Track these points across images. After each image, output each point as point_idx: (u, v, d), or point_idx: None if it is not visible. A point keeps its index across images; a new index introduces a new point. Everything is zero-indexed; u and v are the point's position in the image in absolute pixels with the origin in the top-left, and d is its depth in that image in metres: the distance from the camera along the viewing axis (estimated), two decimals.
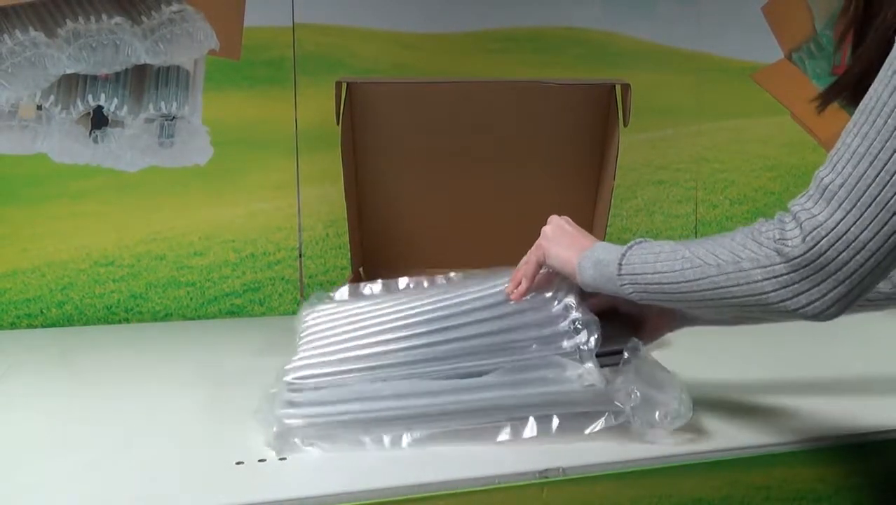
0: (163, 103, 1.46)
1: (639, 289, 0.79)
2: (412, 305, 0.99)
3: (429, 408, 0.86)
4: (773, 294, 0.67)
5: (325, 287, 1.59)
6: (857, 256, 0.62)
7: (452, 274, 1.11)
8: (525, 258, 0.93)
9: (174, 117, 1.48)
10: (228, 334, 1.43)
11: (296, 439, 0.84)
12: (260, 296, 1.58)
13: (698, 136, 1.74)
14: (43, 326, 1.49)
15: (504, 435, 0.86)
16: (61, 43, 1.38)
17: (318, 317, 1.06)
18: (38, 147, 1.43)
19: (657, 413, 0.85)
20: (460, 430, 0.86)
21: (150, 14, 1.42)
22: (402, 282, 1.11)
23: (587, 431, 0.86)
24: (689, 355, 1.23)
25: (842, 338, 1.35)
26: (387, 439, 0.85)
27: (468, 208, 1.52)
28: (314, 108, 1.55)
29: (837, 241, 0.62)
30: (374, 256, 1.53)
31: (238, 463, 0.82)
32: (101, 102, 1.43)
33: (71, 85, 1.42)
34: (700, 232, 1.76)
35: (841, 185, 0.63)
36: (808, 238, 0.64)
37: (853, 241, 0.62)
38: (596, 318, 0.90)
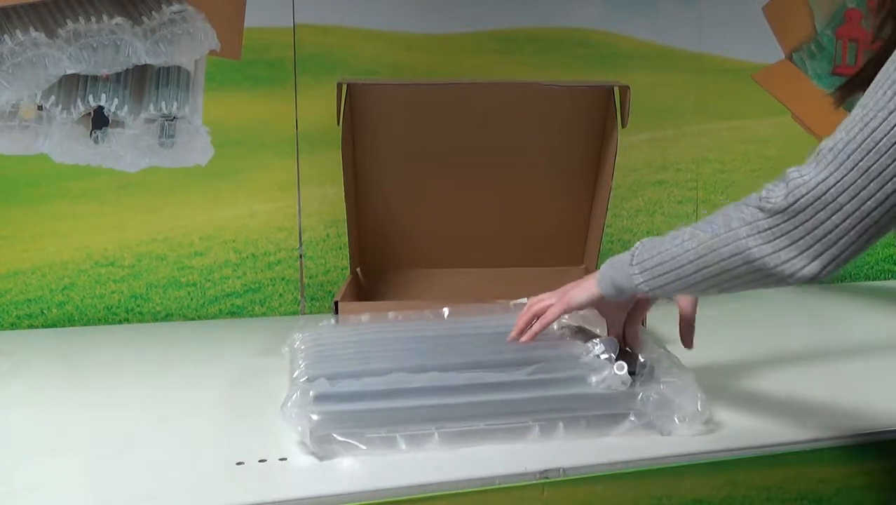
0: (163, 104, 1.47)
1: (648, 276, 0.81)
2: (422, 330, 1.01)
3: (458, 407, 0.85)
4: (755, 249, 0.68)
5: (326, 287, 1.59)
6: (834, 217, 0.63)
7: (445, 309, 1.11)
8: (540, 305, 0.96)
9: (175, 118, 1.48)
10: (229, 335, 1.43)
11: (335, 435, 0.81)
12: (260, 296, 1.58)
13: (699, 137, 1.74)
14: (44, 327, 1.49)
15: (534, 434, 0.85)
16: (62, 43, 1.38)
17: (315, 337, 1.05)
18: (39, 147, 1.43)
19: (676, 417, 0.87)
20: (488, 429, 0.85)
21: (150, 14, 1.42)
22: (391, 315, 1.12)
23: (613, 434, 0.87)
24: (689, 355, 1.23)
25: (842, 338, 1.35)
26: (418, 436, 0.83)
27: (467, 209, 1.52)
28: (315, 109, 1.55)
29: (816, 200, 0.63)
30: (374, 256, 1.53)
31: (238, 463, 0.82)
32: (102, 103, 1.43)
33: (72, 85, 1.42)
34: None
35: (830, 149, 0.64)
36: (789, 195, 0.65)
37: (831, 202, 0.63)
38: (614, 339, 0.94)
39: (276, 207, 1.57)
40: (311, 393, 0.84)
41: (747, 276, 0.71)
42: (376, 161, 1.49)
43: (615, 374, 0.88)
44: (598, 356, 0.92)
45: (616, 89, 1.41)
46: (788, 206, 0.65)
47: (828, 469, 0.89)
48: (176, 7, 1.43)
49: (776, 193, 0.67)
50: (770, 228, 0.67)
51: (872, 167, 0.61)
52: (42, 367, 1.24)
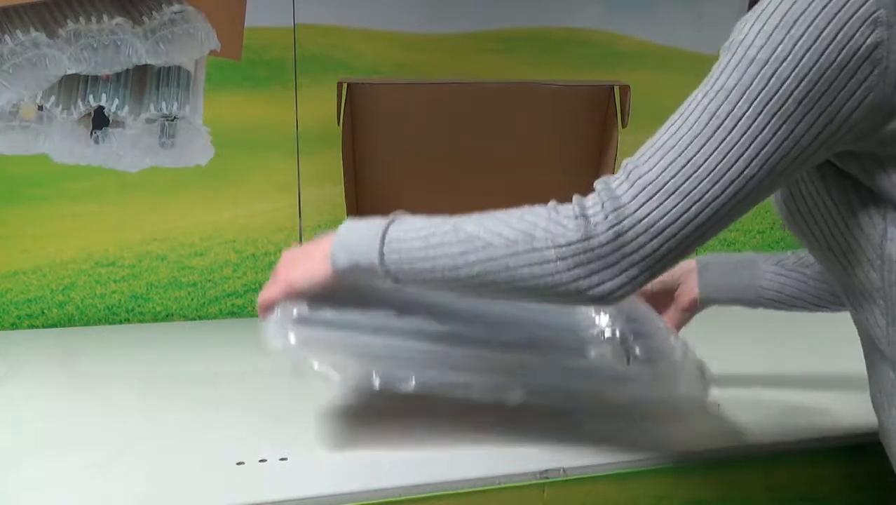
0: (164, 104, 1.46)
1: (401, 268, 0.72)
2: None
3: (440, 355, 0.81)
4: (566, 274, 0.66)
5: None
6: (654, 241, 0.64)
7: None
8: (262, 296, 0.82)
9: (175, 118, 1.48)
10: (229, 335, 1.43)
11: (314, 362, 0.76)
12: None
13: None
14: (44, 327, 1.49)
15: (515, 397, 0.81)
16: (62, 43, 1.38)
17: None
18: (39, 148, 1.43)
19: (679, 384, 0.86)
20: (467, 383, 0.80)
21: (150, 14, 1.42)
22: None
23: (608, 398, 0.85)
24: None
25: (842, 338, 1.35)
26: (396, 378, 0.78)
27: (468, 209, 1.50)
28: (315, 109, 1.55)
29: (638, 224, 0.64)
30: None
31: (238, 463, 0.82)
32: (102, 103, 1.43)
33: (72, 85, 1.42)
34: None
35: (647, 173, 0.64)
36: (611, 220, 0.64)
37: (652, 227, 0.63)
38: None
39: (277, 207, 1.57)
40: (295, 312, 0.77)
41: (541, 293, 0.68)
42: (376, 161, 1.49)
43: (615, 349, 0.85)
44: (602, 332, 0.87)
45: (616, 89, 1.41)
46: (612, 233, 0.64)
47: (828, 469, 0.89)
48: (176, 7, 1.43)
49: (595, 219, 0.65)
50: (586, 253, 0.65)
51: (693, 192, 0.63)
52: (42, 367, 1.24)
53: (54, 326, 1.49)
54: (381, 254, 0.72)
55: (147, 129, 1.48)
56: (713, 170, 0.62)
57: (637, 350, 0.87)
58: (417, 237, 0.72)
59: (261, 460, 0.82)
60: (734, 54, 0.64)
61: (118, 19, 1.40)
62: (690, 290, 0.99)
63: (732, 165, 0.62)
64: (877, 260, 0.66)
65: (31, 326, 1.49)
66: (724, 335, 1.37)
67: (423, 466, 0.81)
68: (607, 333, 0.87)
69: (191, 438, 0.91)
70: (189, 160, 1.52)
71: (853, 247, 0.68)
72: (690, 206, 0.63)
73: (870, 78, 0.60)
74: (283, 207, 1.57)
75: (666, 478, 0.84)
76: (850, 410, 0.97)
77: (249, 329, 1.45)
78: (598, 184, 0.67)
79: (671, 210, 0.63)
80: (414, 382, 0.79)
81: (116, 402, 1.05)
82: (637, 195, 0.64)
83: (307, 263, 0.77)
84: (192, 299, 1.55)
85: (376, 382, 0.77)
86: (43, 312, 1.49)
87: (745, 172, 0.62)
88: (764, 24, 0.62)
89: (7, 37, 1.36)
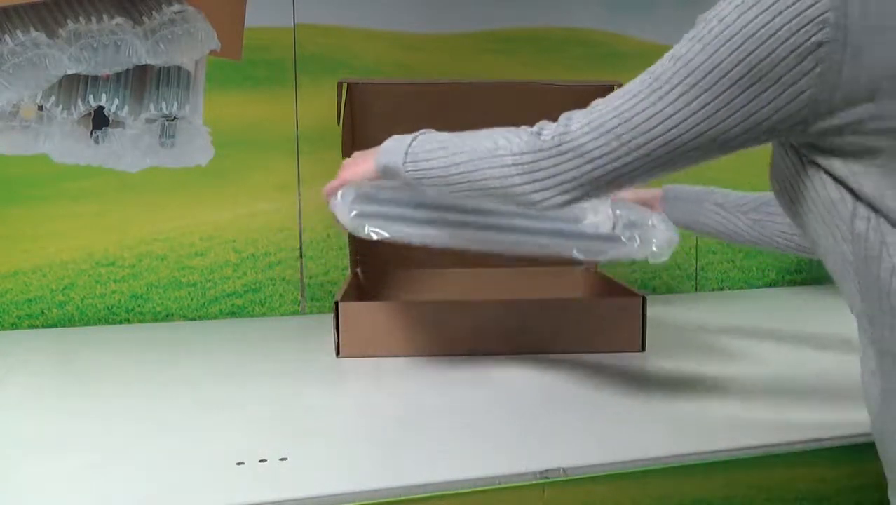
0: (164, 104, 1.46)
1: (418, 174, 0.90)
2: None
3: (468, 225, 1.05)
4: (517, 178, 0.80)
5: (326, 287, 1.59)
6: (585, 166, 0.75)
7: None
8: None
9: (175, 118, 1.48)
10: (229, 335, 1.43)
11: (366, 226, 1.01)
12: (261, 296, 1.58)
13: None
14: (44, 327, 1.49)
15: (528, 248, 1.04)
16: (62, 43, 1.38)
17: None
18: (40, 148, 1.43)
19: (654, 242, 1.04)
20: (487, 239, 1.04)
21: (151, 14, 1.42)
22: None
23: (601, 259, 1.14)
24: (689, 356, 1.23)
25: (842, 336, 1.35)
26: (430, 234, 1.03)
27: None
28: (315, 109, 1.55)
29: (574, 148, 0.75)
30: (374, 256, 1.53)
31: (238, 463, 0.82)
32: (103, 103, 1.43)
33: (72, 85, 1.42)
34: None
35: (598, 110, 0.75)
36: (556, 140, 0.77)
37: (585, 154, 0.75)
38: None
39: (277, 207, 1.57)
40: (352, 194, 1.03)
41: (500, 195, 0.83)
42: None
43: (604, 218, 1.06)
44: (595, 208, 1.07)
45: (616, 88, 1.41)
46: (554, 155, 0.77)
47: (828, 469, 0.89)
48: (176, 7, 1.43)
49: (546, 137, 0.78)
50: (531, 162, 0.78)
51: (623, 135, 0.72)
52: (42, 367, 1.24)
53: (54, 325, 1.49)
54: (404, 162, 0.91)
55: (147, 129, 1.48)
56: (642, 124, 0.71)
57: (621, 220, 1.07)
58: (427, 149, 0.90)
59: (261, 460, 0.82)
60: (695, 28, 0.70)
61: (118, 19, 1.40)
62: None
63: (658, 125, 0.70)
64: (848, 235, 0.68)
65: (31, 326, 1.49)
66: (722, 336, 1.37)
67: (424, 466, 0.81)
68: (600, 209, 1.07)
69: (191, 438, 0.91)
70: (189, 160, 1.52)
71: (827, 221, 0.70)
72: (618, 147, 0.73)
73: (811, 74, 0.62)
74: (283, 208, 1.57)
75: (666, 478, 0.84)
76: (850, 410, 0.97)
77: (249, 329, 1.47)
78: (564, 114, 0.79)
79: (602, 145, 0.73)
80: (447, 237, 1.04)
81: (116, 402, 1.05)
82: (583, 125, 0.75)
83: (362, 163, 1.00)
84: (192, 299, 1.55)
85: (409, 237, 1.03)
86: (43, 312, 1.49)
87: (667, 136, 0.70)
88: (724, 7, 0.67)
89: (7, 37, 1.36)
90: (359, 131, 1.46)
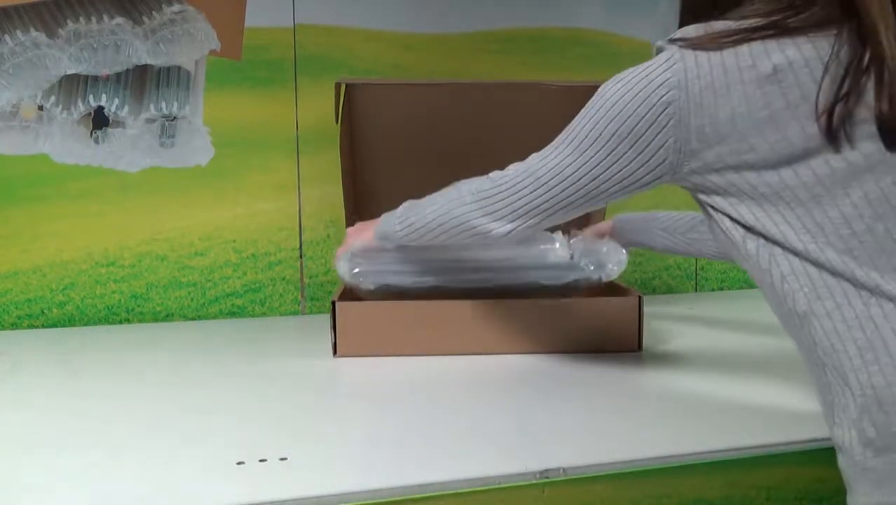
0: (164, 104, 1.47)
1: (406, 232, 1.09)
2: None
3: (449, 273, 1.24)
4: (472, 213, 0.98)
5: (326, 287, 1.60)
6: (524, 198, 0.92)
7: None
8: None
9: (175, 118, 1.48)
10: (229, 335, 1.43)
11: (362, 281, 1.22)
12: (261, 296, 1.58)
13: None
14: (44, 327, 1.49)
15: (502, 281, 1.23)
16: (62, 43, 1.38)
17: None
18: (40, 148, 1.44)
19: (609, 266, 1.23)
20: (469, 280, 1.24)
21: (151, 15, 1.42)
22: None
23: (561, 283, 1.24)
24: (689, 355, 1.23)
25: None
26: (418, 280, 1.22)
27: None
28: (315, 109, 1.55)
29: (516, 184, 0.93)
30: None
31: (238, 463, 0.82)
32: (103, 103, 1.43)
33: (72, 85, 1.42)
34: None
35: (527, 164, 0.92)
36: (504, 176, 0.95)
37: (525, 188, 0.92)
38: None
39: (277, 207, 1.57)
40: (352, 257, 1.23)
41: (467, 230, 1.00)
42: (375, 161, 1.49)
43: (561, 249, 1.24)
44: (553, 240, 1.25)
45: None
46: (501, 183, 0.95)
47: (827, 469, 0.89)
48: (176, 7, 1.43)
49: (496, 174, 0.96)
50: (487, 198, 0.96)
51: (537, 189, 0.91)
52: (42, 367, 1.24)
53: (54, 326, 1.49)
54: (395, 224, 1.11)
55: (147, 129, 1.48)
56: (547, 181, 0.89)
57: (578, 250, 1.25)
58: (409, 209, 1.10)
59: (261, 460, 0.82)
60: (591, 99, 0.85)
61: (118, 19, 1.41)
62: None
63: (552, 179, 0.89)
64: (745, 254, 0.78)
65: (31, 326, 1.49)
66: (723, 335, 1.37)
67: (424, 465, 0.81)
68: (558, 241, 1.25)
69: (191, 438, 0.91)
70: (189, 160, 1.52)
71: (728, 246, 0.81)
72: (536, 198, 0.91)
73: (668, 126, 0.77)
74: (283, 207, 1.57)
75: (666, 478, 0.84)
76: None
77: (249, 329, 1.47)
78: (512, 165, 0.95)
79: (527, 195, 0.92)
80: (420, 283, 1.23)
81: (116, 402, 1.05)
82: (517, 176, 0.93)
83: (364, 232, 1.23)
84: (192, 299, 1.55)
85: (401, 282, 1.23)
86: (43, 312, 1.49)
87: (560, 187, 0.88)
88: (606, 84, 0.83)
89: (7, 37, 1.36)
90: (357, 131, 1.46)
